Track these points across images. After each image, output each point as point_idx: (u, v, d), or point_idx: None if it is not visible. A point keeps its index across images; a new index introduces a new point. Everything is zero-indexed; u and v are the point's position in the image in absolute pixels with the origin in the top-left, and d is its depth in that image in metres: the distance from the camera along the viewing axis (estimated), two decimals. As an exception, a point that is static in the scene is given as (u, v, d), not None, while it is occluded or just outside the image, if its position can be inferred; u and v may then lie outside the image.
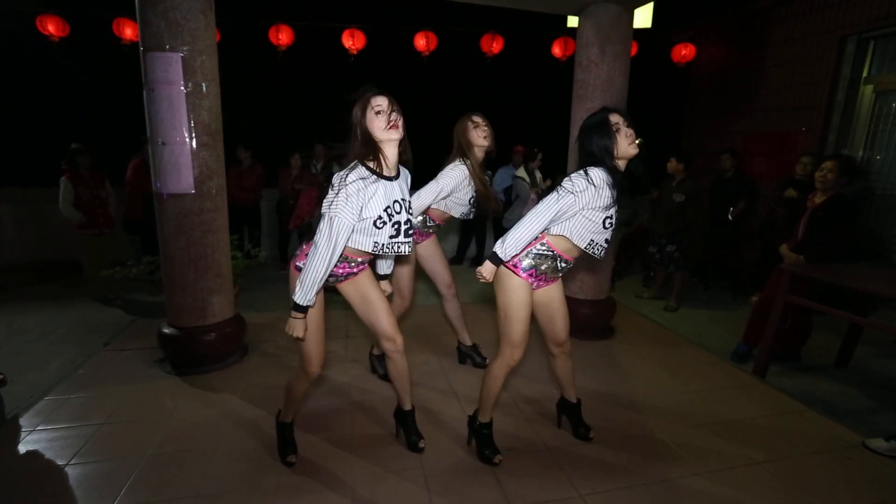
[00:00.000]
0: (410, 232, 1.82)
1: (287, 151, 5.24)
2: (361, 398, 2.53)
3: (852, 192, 3.37)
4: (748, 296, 4.31)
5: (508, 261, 1.83)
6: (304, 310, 1.68)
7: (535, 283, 1.90)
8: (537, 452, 2.11)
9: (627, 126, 1.78)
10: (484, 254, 5.96)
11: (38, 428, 2.21)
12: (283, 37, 5.38)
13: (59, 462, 1.98)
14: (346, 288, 1.93)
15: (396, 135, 1.70)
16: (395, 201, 1.75)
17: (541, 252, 1.84)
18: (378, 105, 1.68)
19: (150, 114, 2.62)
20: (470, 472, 1.98)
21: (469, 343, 2.97)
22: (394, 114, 1.70)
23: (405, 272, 2.66)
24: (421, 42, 5.58)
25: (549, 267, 1.87)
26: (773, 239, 3.69)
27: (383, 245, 1.75)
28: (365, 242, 1.73)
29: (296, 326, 1.70)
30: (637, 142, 1.77)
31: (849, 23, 4.41)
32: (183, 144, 2.61)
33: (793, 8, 4.91)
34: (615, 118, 1.78)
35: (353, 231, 1.70)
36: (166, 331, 2.80)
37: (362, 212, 1.67)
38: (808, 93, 4.77)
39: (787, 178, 4.14)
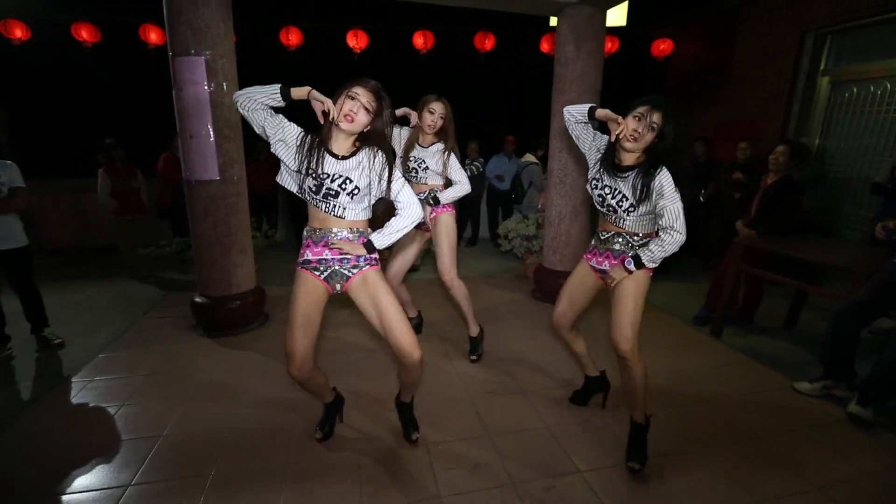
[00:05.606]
0: (330, 193, 1.60)
1: None
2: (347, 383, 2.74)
3: (805, 176, 3.52)
4: (715, 268, 4.48)
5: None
6: None
7: (591, 259, 1.87)
8: (513, 395, 2.35)
9: (638, 120, 1.71)
10: (478, 234, 6.09)
11: (96, 378, 2.48)
12: (292, 38, 5.51)
13: (117, 403, 2.25)
14: (353, 290, 1.69)
15: (345, 125, 1.56)
16: (328, 174, 1.59)
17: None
18: (354, 92, 1.56)
19: (178, 111, 2.81)
20: (455, 407, 2.22)
21: (475, 333, 2.73)
22: (357, 107, 1.55)
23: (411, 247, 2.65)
24: (419, 41, 5.70)
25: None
26: (727, 216, 3.84)
27: (306, 191, 1.62)
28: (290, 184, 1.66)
29: None
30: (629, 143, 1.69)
31: (807, 19, 4.52)
32: (208, 137, 2.81)
33: (757, 5, 5.01)
34: (642, 109, 1.73)
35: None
36: (198, 300, 3.04)
37: (282, 132, 1.60)
38: (772, 84, 4.89)
39: (732, 163, 4.28)
